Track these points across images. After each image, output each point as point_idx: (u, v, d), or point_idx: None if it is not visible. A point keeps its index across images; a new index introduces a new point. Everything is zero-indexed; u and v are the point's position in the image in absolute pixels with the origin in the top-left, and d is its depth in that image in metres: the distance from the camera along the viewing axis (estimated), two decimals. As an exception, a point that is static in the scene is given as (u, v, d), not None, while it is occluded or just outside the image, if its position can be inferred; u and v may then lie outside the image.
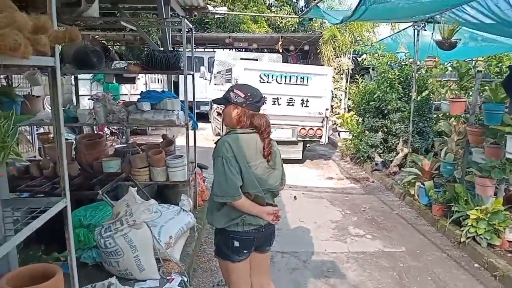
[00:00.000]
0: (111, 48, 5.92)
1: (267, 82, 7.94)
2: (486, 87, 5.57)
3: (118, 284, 2.68)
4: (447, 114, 6.75)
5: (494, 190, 4.46)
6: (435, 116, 7.44)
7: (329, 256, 4.17)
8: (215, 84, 11.53)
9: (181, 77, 4.63)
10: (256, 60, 11.95)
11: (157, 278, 3.07)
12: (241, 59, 10.97)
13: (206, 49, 16.12)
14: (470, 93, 6.51)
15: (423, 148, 7.18)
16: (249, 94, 2.27)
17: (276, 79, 7.98)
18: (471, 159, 4.97)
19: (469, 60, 9.87)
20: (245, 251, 2.36)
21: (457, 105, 5.10)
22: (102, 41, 7.11)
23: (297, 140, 8.21)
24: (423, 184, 5.49)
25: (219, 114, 10.30)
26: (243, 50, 16.49)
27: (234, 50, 15.82)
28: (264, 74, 7.95)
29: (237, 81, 7.78)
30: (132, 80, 5.59)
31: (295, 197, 5.99)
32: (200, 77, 12.54)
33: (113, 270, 3.05)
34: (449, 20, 5.81)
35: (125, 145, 5.95)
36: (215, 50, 14.82)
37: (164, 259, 3.27)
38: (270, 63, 10.12)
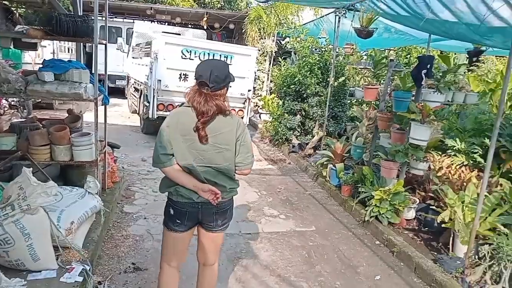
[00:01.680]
0: (15, 11, 5.18)
1: (190, 58, 7.66)
2: (397, 76, 5.98)
3: (3, 277, 2.37)
4: (361, 100, 7.14)
5: (397, 173, 4.82)
6: (349, 101, 7.83)
7: (243, 238, 4.19)
8: (133, 58, 10.85)
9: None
10: (179, 35, 11.48)
11: (54, 268, 2.81)
12: (162, 32, 10.45)
13: (125, 20, 15.08)
14: (382, 81, 6.95)
15: (337, 132, 7.54)
16: (197, 69, 2.30)
17: (199, 56, 7.72)
18: (379, 143, 5.32)
19: (382, 50, 10.51)
20: (178, 221, 2.42)
21: (370, 92, 5.37)
22: (4, 2, 6.21)
23: (218, 121, 8.08)
24: (335, 166, 5.76)
25: (136, 89, 9.75)
26: (166, 23, 15.76)
27: (156, 22, 15.03)
28: (187, 50, 7.64)
29: (156, 56, 7.40)
30: (33, 47, 4.99)
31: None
32: (117, 49, 11.74)
33: (0, 260, 2.71)
34: (368, 9, 6.05)
35: (24, 120, 5.32)
36: (134, 21, 13.91)
37: (64, 246, 3.00)
38: (194, 39, 9.76)
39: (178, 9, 14.18)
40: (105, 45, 4.50)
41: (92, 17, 3.81)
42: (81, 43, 5.47)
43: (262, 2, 9.53)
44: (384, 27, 7.90)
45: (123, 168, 5.98)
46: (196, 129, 2.26)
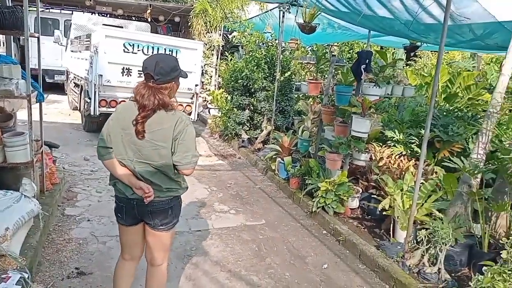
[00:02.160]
0: None
1: (132, 52, 7.41)
2: (340, 71, 6.18)
3: None
4: (306, 94, 7.30)
5: (341, 164, 5.00)
6: (296, 96, 7.99)
7: (193, 235, 4.15)
8: (72, 51, 10.28)
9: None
10: (122, 27, 11.03)
11: (-14, 278, 2.61)
12: (103, 25, 10.00)
13: (62, 11, 14.24)
14: (326, 75, 7.16)
15: (285, 126, 7.67)
16: (143, 62, 2.26)
17: (143, 50, 7.49)
18: (324, 136, 5.48)
19: (327, 45, 10.82)
20: (119, 215, 2.46)
21: (314, 86, 5.51)
22: None
23: (165, 116, 7.91)
24: (283, 160, 5.87)
25: (76, 85, 9.27)
26: (108, 15, 15.08)
27: (97, 14, 14.33)
28: (129, 44, 7.38)
29: (96, 49, 7.07)
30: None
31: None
32: (54, 42, 11.08)
33: None
34: (311, 5, 6.18)
35: None
36: (73, 12, 13.16)
37: (-2, 255, 2.79)
38: (137, 32, 9.44)
39: (120, 0, 13.59)
40: (38, 38, 4.22)
41: (21, 8, 3.55)
42: (11, 36, 5.08)
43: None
44: (327, 23, 8.11)
45: (63, 168, 5.67)
46: (134, 123, 2.20)
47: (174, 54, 7.64)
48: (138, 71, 7.39)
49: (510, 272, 2.79)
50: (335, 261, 3.89)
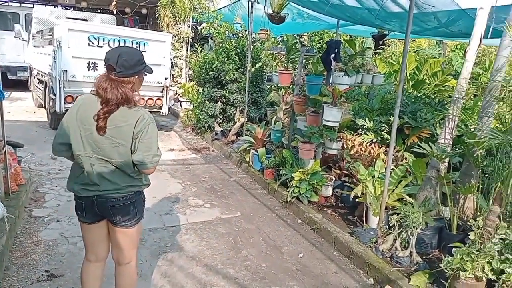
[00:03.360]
0: None
1: (98, 46, 7.19)
2: (311, 61, 6.19)
3: None
4: (278, 85, 7.29)
5: (314, 153, 5.04)
6: (268, 87, 7.97)
7: (168, 231, 4.09)
8: (34, 46, 9.87)
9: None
10: (86, 20, 10.66)
11: None
12: (66, 18, 9.64)
13: (23, 4, 13.60)
14: (297, 66, 7.16)
15: (258, 117, 7.65)
16: (106, 54, 2.19)
17: (109, 43, 7.28)
18: (296, 126, 5.50)
19: (297, 35, 10.83)
20: (79, 212, 2.39)
21: (285, 77, 5.50)
22: None
23: (135, 111, 7.73)
24: (257, 151, 5.86)
25: (40, 81, 8.91)
26: (72, 8, 14.53)
27: (59, 7, 13.77)
28: (94, 37, 7.16)
29: (59, 44, 6.81)
30: None
31: (133, 172, 5.67)
32: (15, 37, 10.61)
33: None
34: (279, -5, 6.16)
35: None
36: (34, 5, 12.59)
37: (-42, 262, 2.65)
38: (102, 25, 9.14)
39: (83, -8, 13.12)
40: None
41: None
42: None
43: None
44: (297, 13, 8.11)
45: (29, 168, 5.46)
46: (96, 118, 2.11)
47: (141, 47, 7.48)
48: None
49: (477, 252, 2.89)
50: (311, 250, 3.93)
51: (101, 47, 7.16)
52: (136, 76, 2.21)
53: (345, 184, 4.81)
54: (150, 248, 3.71)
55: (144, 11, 13.63)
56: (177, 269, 3.40)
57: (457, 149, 4.06)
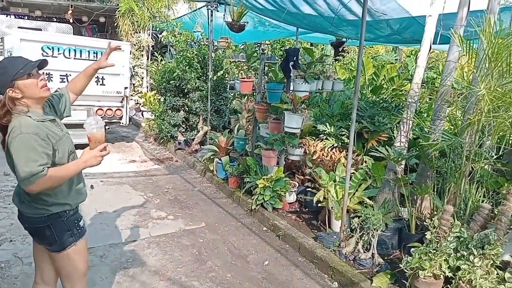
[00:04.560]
0: None
1: (52, 56, 6.93)
2: (272, 68, 6.24)
3: None
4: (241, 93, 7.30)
5: (277, 160, 5.06)
6: (232, 94, 7.96)
7: (129, 246, 3.96)
8: (-17, 57, 9.37)
9: None
10: (40, 30, 10.26)
11: None
12: (18, 27, 9.25)
13: (-30, 13, 12.90)
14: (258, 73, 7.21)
15: (221, 125, 7.62)
16: None
17: (64, 53, 7.04)
18: (259, 133, 5.51)
19: (258, 43, 10.93)
20: None
21: (246, 85, 5.51)
22: None
23: (94, 122, 7.50)
24: (220, 160, 5.82)
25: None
26: (26, 17, 13.94)
27: (12, 16, 13.18)
28: (48, 47, 6.89)
29: (11, 54, 6.50)
30: None
31: (92, 186, 5.46)
32: (-38, 47, 10.03)
33: None
34: (238, 3, 6.18)
35: None
36: (-17, 14, 11.98)
37: None
38: (57, 35, 8.84)
39: (36, 1, 12.59)
40: None
41: None
42: None
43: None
44: (258, 21, 8.20)
45: None
46: None
47: (99, 57, 7.26)
48: (60, 75, 6.94)
49: (434, 251, 2.99)
50: (276, 257, 3.93)
51: (56, 57, 6.91)
52: (8, 90, 1.93)
53: (308, 189, 4.86)
54: (111, 264, 3.58)
55: (102, 19, 13.27)
56: (139, 285, 3.29)
57: (413, 151, 4.21)
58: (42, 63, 2.07)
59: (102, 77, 7.29)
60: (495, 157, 3.61)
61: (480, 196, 3.55)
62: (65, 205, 2.12)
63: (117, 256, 3.74)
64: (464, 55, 3.68)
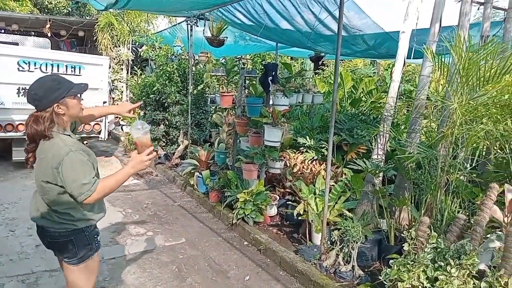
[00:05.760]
0: None
1: (29, 70, 6.82)
2: (253, 82, 6.29)
3: None
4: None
5: (258, 174, 5.07)
6: (213, 108, 7.96)
7: (106, 264, 3.86)
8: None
9: None
10: (17, 44, 10.10)
11: None
12: (-5, 41, 9.08)
13: None
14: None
15: (202, 139, 7.60)
16: None
17: (41, 68, 6.93)
18: (240, 147, 5.51)
19: (239, 57, 11.01)
20: None
21: (226, 99, 5.53)
22: None
23: (72, 138, 7.37)
24: (201, 174, 5.78)
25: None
26: (2, 31, 13.69)
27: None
28: (24, 62, 6.78)
29: (-17, 69, 6.37)
30: None
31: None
32: None
33: None
34: (217, 19, 6.24)
35: None
36: (-44, 28, 11.72)
37: None
38: (33, 49, 8.72)
39: (13, 15, 12.40)
40: None
41: None
42: None
43: (100, 10, 9.02)
44: (239, 35, 8.27)
45: None
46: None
47: (77, 71, 7.20)
48: (37, 90, 6.82)
49: (412, 262, 3.02)
50: (257, 271, 3.90)
51: (32, 71, 6.80)
52: (54, 106, 2.05)
53: (288, 202, 4.87)
54: (87, 284, 3.48)
55: (81, 33, 13.14)
56: (117, 305, 3.21)
57: (390, 163, 4.28)
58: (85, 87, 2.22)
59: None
60: (469, 168, 3.71)
61: (456, 207, 3.62)
62: (90, 221, 2.22)
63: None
64: (436, 70, 3.79)
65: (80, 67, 7.21)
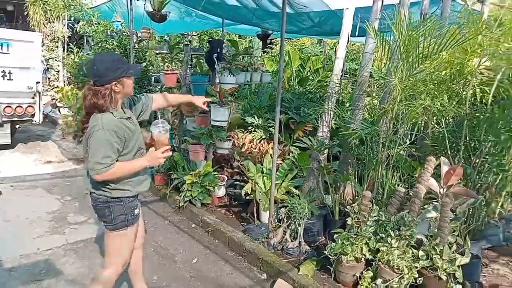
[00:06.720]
0: None
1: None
2: (200, 60, 6.09)
3: None
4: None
5: (205, 154, 4.95)
6: (159, 88, 7.64)
7: (43, 255, 3.61)
8: None
9: None
10: None
11: None
12: None
13: None
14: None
15: (147, 120, 7.29)
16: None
17: (-38, 44, 6.25)
18: (186, 128, 5.35)
19: (186, 34, 10.63)
20: None
21: (170, 77, 5.31)
22: None
23: (2, 122, 6.77)
24: (146, 157, 5.55)
25: None
26: None
27: None
28: None
29: None
30: None
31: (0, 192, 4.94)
32: None
33: None
34: (158, -8, 5.89)
35: None
36: None
37: None
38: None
39: None
40: None
41: None
42: None
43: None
44: (185, 11, 7.92)
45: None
46: None
47: (5, 48, 6.56)
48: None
49: (355, 236, 3.11)
50: (205, 253, 3.84)
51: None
52: (113, 83, 2.24)
53: (237, 182, 4.82)
54: (21, 278, 3.24)
55: (10, 8, 12.06)
56: (54, 298, 3.02)
57: (335, 140, 4.35)
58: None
59: (9, 71, 6.58)
60: (408, 143, 3.85)
61: (396, 181, 3.76)
62: (125, 191, 2.37)
63: (29, 267, 3.40)
64: (378, 47, 3.85)
65: (8, 44, 6.57)
